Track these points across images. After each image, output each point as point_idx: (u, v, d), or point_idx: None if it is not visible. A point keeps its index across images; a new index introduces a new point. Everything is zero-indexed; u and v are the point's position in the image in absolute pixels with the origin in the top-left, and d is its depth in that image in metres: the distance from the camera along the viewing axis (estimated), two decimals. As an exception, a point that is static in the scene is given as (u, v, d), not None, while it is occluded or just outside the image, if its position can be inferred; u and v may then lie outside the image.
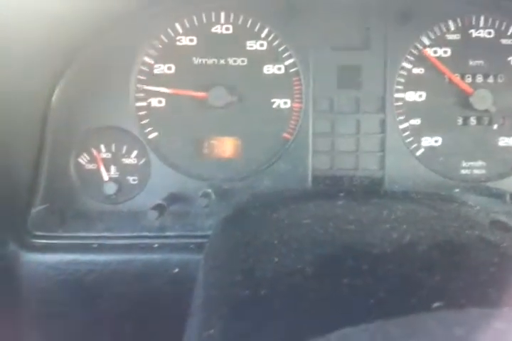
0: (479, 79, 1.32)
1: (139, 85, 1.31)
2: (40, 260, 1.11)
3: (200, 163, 1.32)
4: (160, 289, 1.08)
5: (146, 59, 1.31)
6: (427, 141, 1.34)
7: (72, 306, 1.10)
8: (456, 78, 1.31)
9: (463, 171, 1.34)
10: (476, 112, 1.32)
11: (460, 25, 1.32)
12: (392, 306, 0.56)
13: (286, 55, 1.31)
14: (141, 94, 1.31)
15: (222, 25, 1.31)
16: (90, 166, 1.31)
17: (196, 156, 1.33)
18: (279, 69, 1.32)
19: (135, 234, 1.19)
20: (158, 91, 1.31)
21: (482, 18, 1.32)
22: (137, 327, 1.10)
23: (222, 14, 1.30)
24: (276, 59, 1.31)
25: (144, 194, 1.30)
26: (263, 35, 1.31)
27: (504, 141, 1.34)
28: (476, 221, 0.89)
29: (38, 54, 1.11)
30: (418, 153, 1.34)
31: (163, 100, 1.32)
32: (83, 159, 1.32)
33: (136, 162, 1.32)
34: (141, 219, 1.22)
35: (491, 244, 0.75)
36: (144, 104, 1.32)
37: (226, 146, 1.33)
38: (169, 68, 1.31)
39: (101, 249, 1.14)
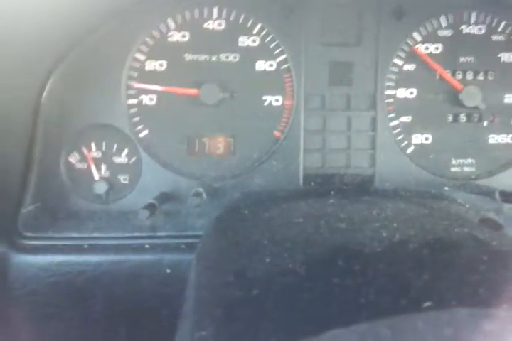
0: (470, 75, 1.33)
1: (129, 82, 1.29)
2: (31, 261, 1.10)
3: (192, 161, 1.32)
4: (152, 289, 1.08)
5: (138, 55, 1.29)
6: (418, 138, 1.35)
7: (64, 307, 1.09)
8: (447, 75, 1.32)
9: (453, 169, 1.35)
10: (466, 109, 1.33)
11: (452, 21, 1.32)
12: (382, 306, 0.56)
13: (278, 51, 1.31)
14: (133, 92, 1.30)
15: (214, 20, 1.29)
16: (80, 165, 1.30)
17: (187, 154, 1.32)
18: (271, 65, 1.31)
19: (126, 234, 1.18)
20: (149, 89, 1.30)
21: (474, 14, 1.32)
22: (129, 328, 1.10)
23: (215, 10, 1.29)
24: (269, 55, 1.30)
25: (135, 193, 1.30)
26: (255, 31, 1.30)
27: (494, 139, 1.35)
28: (465, 219, 0.90)
29: (28, 51, 1.09)
30: (409, 151, 1.35)
31: (155, 97, 1.31)
32: (73, 158, 1.31)
33: (127, 161, 1.31)
34: (132, 219, 1.22)
35: (481, 242, 0.75)
36: (135, 101, 1.30)
37: (217, 144, 1.33)
38: (161, 64, 1.30)
39: (92, 249, 1.13)
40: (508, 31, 1.33)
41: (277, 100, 1.32)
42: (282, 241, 0.77)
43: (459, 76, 1.33)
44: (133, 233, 1.19)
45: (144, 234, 1.19)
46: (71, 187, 1.30)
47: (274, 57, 1.31)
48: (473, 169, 1.35)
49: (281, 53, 1.31)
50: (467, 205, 1.03)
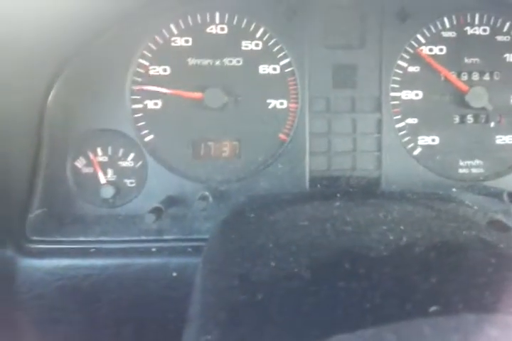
0: (475, 76, 1.32)
1: (133, 87, 1.30)
2: (38, 265, 1.10)
3: (197, 165, 1.32)
4: (158, 293, 1.08)
5: (142, 60, 1.30)
6: (424, 140, 1.34)
7: (71, 311, 1.09)
8: (452, 76, 1.31)
9: (460, 170, 1.34)
10: (473, 110, 1.32)
11: (455, 22, 1.31)
12: (388, 311, 0.56)
13: (281, 54, 1.31)
14: (137, 96, 1.31)
15: (217, 25, 1.30)
16: (87, 170, 1.31)
17: (193, 158, 1.32)
18: (275, 69, 1.31)
19: (133, 238, 1.18)
20: (153, 93, 1.30)
21: (477, 15, 1.32)
22: (136, 332, 1.10)
23: (217, 14, 1.30)
24: (272, 59, 1.31)
25: (141, 197, 1.30)
26: (258, 34, 1.30)
27: (501, 139, 1.34)
28: (473, 221, 0.89)
29: (32, 56, 1.10)
30: (415, 153, 1.34)
31: (159, 102, 1.31)
32: (80, 163, 1.31)
33: (133, 165, 1.32)
34: (139, 223, 1.22)
35: (489, 244, 0.74)
36: (140, 106, 1.31)
37: (223, 148, 1.33)
38: (164, 69, 1.31)
39: (99, 253, 1.13)
40: (513, 32, 1.32)
41: (282, 103, 1.32)
42: (288, 245, 0.77)
43: (465, 77, 1.32)
44: (139, 237, 1.19)
45: (150, 238, 1.19)
46: (77, 191, 1.31)
47: (278, 61, 1.31)
48: (480, 170, 1.34)
49: (285, 57, 1.31)
50: (475, 207, 1.02)
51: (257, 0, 1.29)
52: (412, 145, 1.34)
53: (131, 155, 1.32)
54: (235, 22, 1.30)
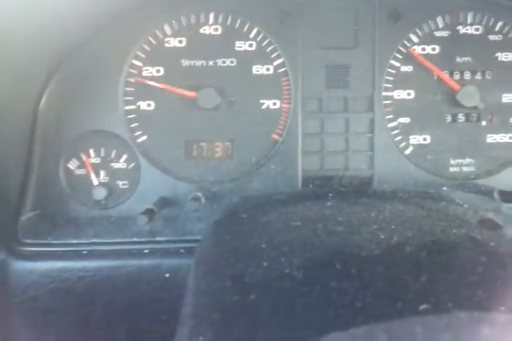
0: (467, 76, 1.33)
1: (130, 79, 1.29)
2: (30, 268, 1.10)
3: (190, 166, 1.32)
4: (151, 294, 1.08)
5: (135, 61, 1.30)
6: (416, 139, 1.35)
7: (64, 313, 1.09)
8: (444, 75, 1.32)
9: (452, 169, 1.35)
10: (464, 109, 1.32)
11: (448, 22, 1.32)
12: (380, 310, 0.56)
13: (274, 55, 1.31)
14: (130, 98, 1.31)
15: (210, 26, 1.30)
16: (79, 171, 1.30)
17: (186, 159, 1.32)
18: (268, 69, 1.32)
19: (125, 239, 1.18)
20: (146, 94, 1.30)
21: (470, 15, 1.32)
22: (129, 333, 1.10)
23: (211, 15, 1.30)
24: (265, 59, 1.31)
25: (134, 198, 1.30)
26: (252, 35, 1.30)
27: (492, 138, 1.35)
28: (464, 220, 0.90)
29: (26, 58, 1.10)
30: (407, 152, 1.34)
31: (152, 103, 1.31)
32: (72, 164, 1.31)
33: (125, 166, 1.31)
34: (132, 224, 1.22)
35: (479, 243, 0.75)
36: (133, 107, 1.31)
37: (215, 148, 1.33)
38: (158, 70, 1.31)
39: (91, 255, 1.13)
40: (505, 31, 1.33)
41: (275, 103, 1.32)
42: (281, 245, 0.77)
43: (457, 76, 1.33)
44: (132, 238, 1.19)
45: (143, 239, 1.19)
46: (70, 193, 1.30)
47: (271, 61, 1.31)
48: (471, 169, 1.35)
49: (278, 57, 1.31)
50: (466, 205, 1.02)
51: (251, 1, 1.30)
52: (404, 144, 1.34)
53: (124, 157, 1.31)
54: (228, 22, 1.30)
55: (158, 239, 1.19)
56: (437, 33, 1.32)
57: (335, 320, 0.57)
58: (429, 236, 0.76)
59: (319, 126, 1.33)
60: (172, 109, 1.31)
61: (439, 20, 1.32)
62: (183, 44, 1.30)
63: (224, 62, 1.30)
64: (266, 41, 1.30)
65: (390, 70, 1.33)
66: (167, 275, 1.08)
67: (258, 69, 1.31)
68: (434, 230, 0.79)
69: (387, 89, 1.33)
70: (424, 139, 1.35)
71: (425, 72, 1.32)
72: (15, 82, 1.10)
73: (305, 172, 1.32)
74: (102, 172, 1.31)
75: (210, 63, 1.30)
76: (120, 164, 1.31)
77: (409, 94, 1.34)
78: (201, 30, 1.30)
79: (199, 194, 1.25)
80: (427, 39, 1.32)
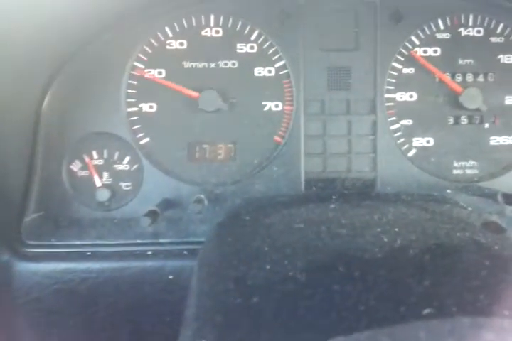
0: (469, 78, 1.33)
1: (134, 72, 1.29)
2: (34, 269, 1.10)
3: (193, 168, 1.32)
4: (154, 296, 1.08)
5: (137, 63, 1.30)
6: (419, 142, 1.35)
7: (67, 315, 1.09)
8: (446, 77, 1.32)
9: (455, 171, 1.35)
10: (467, 111, 1.32)
11: (449, 24, 1.32)
12: (383, 314, 0.56)
13: (276, 57, 1.31)
14: (132, 99, 1.31)
15: (212, 28, 1.30)
16: (82, 173, 1.31)
17: (188, 161, 1.32)
18: (270, 71, 1.32)
19: (129, 241, 1.18)
20: (149, 96, 1.30)
21: (471, 17, 1.32)
22: (132, 335, 1.10)
23: (212, 17, 1.30)
24: (267, 61, 1.31)
25: (137, 200, 1.30)
26: (253, 37, 1.31)
27: (495, 140, 1.35)
28: (467, 223, 0.89)
29: (26, 58, 1.10)
30: (410, 154, 1.34)
31: (155, 105, 1.32)
32: (75, 166, 1.31)
33: (128, 168, 1.32)
34: (135, 226, 1.22)
35: (483, 246, 0.75)
36: (135, 109, 1.31)
37: (218, 150, 1.33)
38: (160, 72, 1.31)
39: (95, 256, 1.13)
40: (506, 33, 1.33)
41: (277, 106, 1.32)
42: (283, 248, 0.77)
43: (459, 78, 1.33)
44: (135, 240, 1.19)
45: (146, 241, 1.19)
46: (73, 195, 1.30)
47: (273, 63, 1.31)
48: (475, 171, 1.35)
49: (280, 59, 1.31)
50: (469, 208, 1.02)
51: (252, 3, 1.30)
52: (406, 146, 1.34)
53: (127, 159, 1.32)
54: (229, 25, 1.30)
55: (161, 240, 1.19)
56: (439, 35, 1.32)
57: (338, 324, 0.57)
58: (433, 240, 0.76)
59: (321, 128, 1.33)
60: (174, 111, 1.31)
61: (441, 22, 1.32)
62: (185, 46, 1.30)
63: (226, 64, 1.31)
64: (267, 43, 1.31)
65: (391, 72, 1.33)
66: (170, 277, 1.08)
67: (260, 72, 1.31)
68: (438, 233, 0.79)
69: (389, 92, 1.33)
70: (428, 141, 1.35)
71: (427, 74, 1.32)
72: (15, 82, 1.10)
73: (308, 175, 1.32)
74: (105, 174, 1.31)
75: (212, 65, 1.30)
76: (123, 166, 1.32)
77: (411, 97, 1.33)
78: (202, 33, 1.30)
79: (202, 196, 1.25)
80: (428, 41, 1.32)
